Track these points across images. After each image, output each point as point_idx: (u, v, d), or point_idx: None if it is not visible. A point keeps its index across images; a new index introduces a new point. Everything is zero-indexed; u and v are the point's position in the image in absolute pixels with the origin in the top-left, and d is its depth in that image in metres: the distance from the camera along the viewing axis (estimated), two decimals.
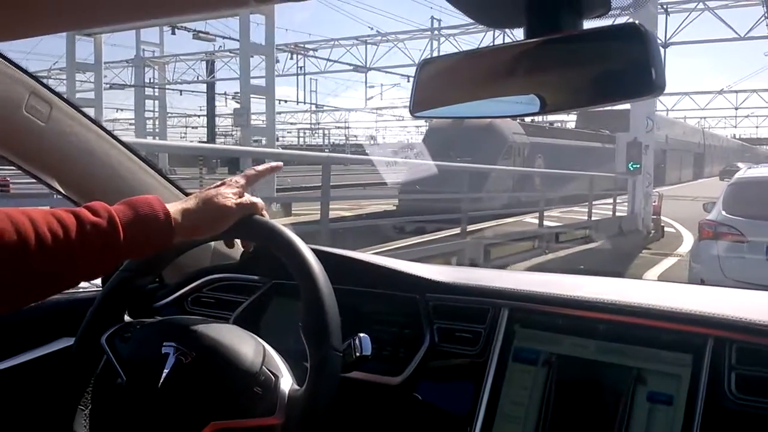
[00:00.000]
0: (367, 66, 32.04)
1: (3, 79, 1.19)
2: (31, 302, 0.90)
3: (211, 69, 32.81)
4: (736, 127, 59.88)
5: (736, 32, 23.82)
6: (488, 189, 13.49)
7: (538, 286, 1.27)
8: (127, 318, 1.15)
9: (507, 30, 0.86)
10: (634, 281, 1.50)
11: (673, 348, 1.09)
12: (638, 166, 13.52)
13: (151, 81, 29.60)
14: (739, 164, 34.45)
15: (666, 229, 14.33)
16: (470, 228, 9.26)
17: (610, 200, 13.68)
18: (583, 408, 1.12)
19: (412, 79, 0.83)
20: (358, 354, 1.03)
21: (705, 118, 55.22)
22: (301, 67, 33.75)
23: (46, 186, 1.36)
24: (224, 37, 24.62)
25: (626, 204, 13.88)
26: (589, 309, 1.17)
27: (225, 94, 36.02)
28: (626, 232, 12.83)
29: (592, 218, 12.40)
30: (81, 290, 1.49)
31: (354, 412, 1.28)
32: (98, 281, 1.51)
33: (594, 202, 12.96)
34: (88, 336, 1.11)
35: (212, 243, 1.52)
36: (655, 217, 14.05)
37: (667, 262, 10.56)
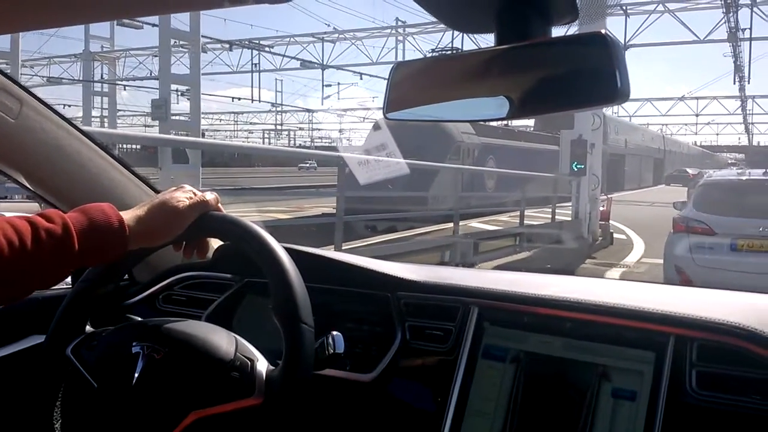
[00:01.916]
0: (324, 64, 30.33)
1: None
2: None
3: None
4: (696, 134, 60.53)
5: (695, 35, 23.88)
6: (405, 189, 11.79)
7: (507, 285, 1.29)
8: (89, 328, 1.14)
9: (474, 35, 0.88)
10: (599, 280, 1.54)
11: (637, 345, 1.12)
12: (582, 166, 12.14)
13: (102, 77, 27.79)
14: (688, 169, 34.77)
15: (616, 235, 13.34)
16: (382, 238, 8.52)
17: (561, 204, 12.53)
18: (550, 403, 1.15)
19: (385, 82, 0.84)
20: (331, 352, 1.04)
21: (667, 125, 55.86)
22: (255, 64, 31.70)
23: (15, 183, 1.35)
24: (154, 25, 23.39)
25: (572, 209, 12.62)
26: (556, 307, 1.20)
27: (177, 91, 34.68)
28: (566, 240, 11.36)
29: (528, 223, 11.13)
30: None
31: (327, 409, 1.29)
32: (68, 279, 1.50)
33: (540, 207, 12.16)
34: (53, 350, 1.10)
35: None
36: (603, 222, 12.86)
37: (613, 273, 9.82)
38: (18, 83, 1.25)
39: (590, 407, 1.11)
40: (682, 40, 24.85)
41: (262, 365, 1.00)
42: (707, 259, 6.74)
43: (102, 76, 28.20)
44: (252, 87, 33.60)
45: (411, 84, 0.83)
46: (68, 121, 1.36)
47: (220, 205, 1.10)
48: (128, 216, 0.98)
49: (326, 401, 1.27)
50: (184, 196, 1.05)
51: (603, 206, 13.03)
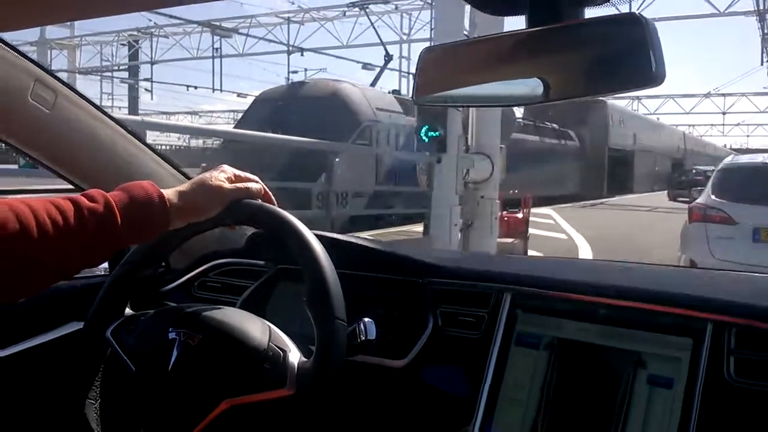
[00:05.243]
0: (291, 46, 26.11)
1: (9, 68, 1.20)
2: (34, 292, 0.91)
3: (134, 52, 28.78)
4: (724, 134, 55.19)
5: (715, 8, 21.98)
6: None
7: (540, 271, 1.28)
8: (128, 311, 1.16)
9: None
10: (633, 265, 1.51)
11: (674, 332, 1.10)
12: (439, 134, 6.66)
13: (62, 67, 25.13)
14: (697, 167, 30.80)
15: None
16: None
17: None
18: (584, 391, 1.14)
19: (415, 67, 0.84)
20: (362, 338, 1.04)
21: (693, 125, 51.67)
22: (217, 49, 27.59)
23: (53, 173, 1.37)
24: None
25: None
26: (591, 293, 1.18)
27: (138, 79, 28.85)
28: None
29: None
30: (89, 275, 1.50)
31: (359, 394, 1.30)
32: (106, 265, 1.53)
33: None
34: (93, 331, 1.12)
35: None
36: (511, 241, 7.86)
37: None
38: (53, 74, 1.27)
39: (626, 395, 1.09)
40: (700, 13, 22.61)
41: (294, 356, 1.01)
42: (726, 251, 5.97)
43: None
44: (213, 74, 28.05)
45: (440, 68, 0.83)
46: (101, 110, 1.38)
47: (270, 195, 1.10)
48: (169, 192, 1.00)
49: (358, 387, 1.28)
50: (224, 176, 1.07)
51: (521, 213, 8.38)
